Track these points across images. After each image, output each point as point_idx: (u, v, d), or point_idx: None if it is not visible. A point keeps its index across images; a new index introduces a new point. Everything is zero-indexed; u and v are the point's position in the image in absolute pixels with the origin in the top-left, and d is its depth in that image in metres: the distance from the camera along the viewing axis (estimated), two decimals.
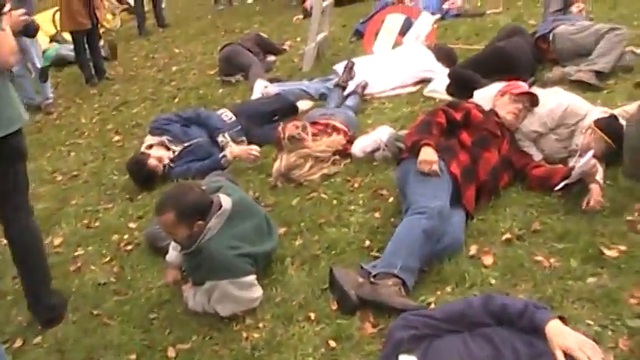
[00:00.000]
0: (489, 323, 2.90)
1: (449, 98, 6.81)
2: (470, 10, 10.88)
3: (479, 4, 11.28)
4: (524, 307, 2.86)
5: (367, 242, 4.73)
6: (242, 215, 4.36)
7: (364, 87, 7.52)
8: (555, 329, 2.76)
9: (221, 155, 6.41)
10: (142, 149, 6.81)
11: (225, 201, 4.31)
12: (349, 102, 7.33)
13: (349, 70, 7.64)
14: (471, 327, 2.92)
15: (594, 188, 4.61)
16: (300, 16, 13.21)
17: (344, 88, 7.52)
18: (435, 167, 4.55)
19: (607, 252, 4.09)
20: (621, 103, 5.75)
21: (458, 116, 5.01)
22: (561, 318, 2.83)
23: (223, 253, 4.16)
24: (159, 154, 6.63)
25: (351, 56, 8.61)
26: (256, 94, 8.06)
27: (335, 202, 5.42)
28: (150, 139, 6.86)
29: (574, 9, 8.06)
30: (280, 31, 12.48)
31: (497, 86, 5.64)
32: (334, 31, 10.19)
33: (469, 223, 4.63)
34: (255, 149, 6.36)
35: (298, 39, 11.43)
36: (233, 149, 6.42)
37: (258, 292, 4.32)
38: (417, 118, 6.40)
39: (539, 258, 4.18)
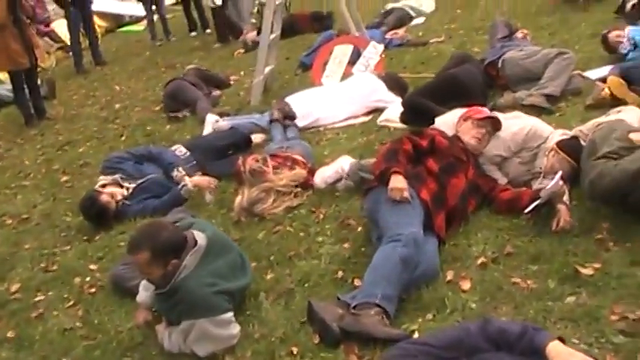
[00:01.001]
0: (488, 349, 2.89)
1: (403, 126, 6.87)
2: (412, 39, 11.01)
3: (420, 34, 11.42)
4: (522, 329, 2.86)
5: (340, 273, 4.70)
6: (217, 251, 4.30)
7: (290, 116, 7.57)
8: (557, 350, 2.76)
9: (181, 185, 6.34)
10: (95, 188, 6.69)
11: (200, 237, 4.25)
12: (290, 134, 7.35)
13: (282, 110, 7.65)
14: (470, 353, 2.89)
15: (562, 209, 4.68)
16: (242, 50, 13.20)
17: (282, 122, 7.54)
18: (406, 194, 4.56)
19: (582, 271, 4.13)
20: (575, 125, 5.85)
21: (424, 143, 5.05)
22: (560, 339, 2.84)
23: (200, 290, 4.09)
24: (112, 191, 6.52)
25: (298, 88, 8.65)
26: (208, 129, 8.02)
27: (302, 234, 5.39)
28: (103, 179, 6.76)
29: (519, 34, 8.23)
30: (222, 65, 12.44)
31: (459, 112, 5.71)
32: (278, 63, 10.20)
33: (442, 249, 4.64)
34: (213, 179, 6.32)
35: (242, 73, 11.43)
36: (193, 178, 6.37)
37: (236, 329, 4.24)
38: (373, 147, 6.53)
39: (517, 280, 4.20)
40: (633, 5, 9.09)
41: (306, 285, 4.67)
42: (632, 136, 4.74)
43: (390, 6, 13.02)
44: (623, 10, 9.43)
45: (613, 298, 3.87)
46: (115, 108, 11.38)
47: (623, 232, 4.47)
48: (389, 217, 4.50)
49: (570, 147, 5.12)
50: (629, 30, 7.70)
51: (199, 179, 6.38)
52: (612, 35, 7.82)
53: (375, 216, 4.71)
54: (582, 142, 5.15)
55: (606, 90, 6.51)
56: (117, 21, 20.17)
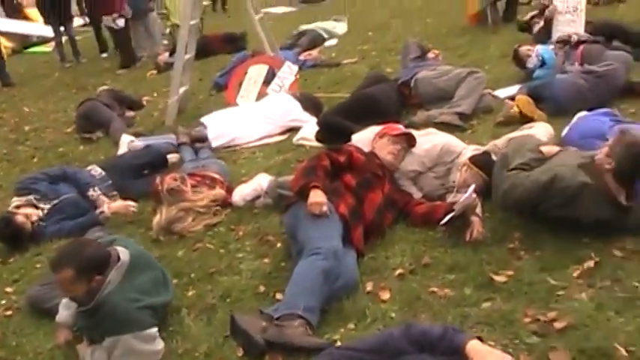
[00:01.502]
0: (411, 351, 2.99)
1: (319, 145, 6.98)
2: (326, 60, 11.18)
3: (333, 55, 11.60)
4: (443, 331, 2.98)
5: (261, 288, 4.75)
6: (140, 267, 4.29)
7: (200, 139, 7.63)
8: (475, 349, 2.89)
9: (99, 211, 6.27)
10: (9, 210, 6.58)
11: (123, 253, 4.24)
12: (203, 155, 7.39)
13: (189, 134, 7.69)
14: (394, 356, 2.99)
15: (476, 221, 4.86)
16: (154, 71, 13.18)
17: (192, 144, 7.58)
18: (325, 209, 4.66)
19: (496, 278, 4.30)
20: (486, 142, 6.06)
21: (341, 159, 5.17)
22: (479, 338, 2.96)
23: (125, 306, 4.07)
24: (27, 212, 6.42)
25: (213, 108, 8.69)
26: (123, 149, 7.98)
27: (222, 251, 5.42)
28: (17, 200, 6.61)
29: (431, 55, 8.46)
30: (135, 86, 12.39)
31: (375, 129, 5.85)
32: (192, 84, 10.21)
33: (361, 262, 4.74)
34: (132, 204, 6.28)
35: (155, 94, 11.40)
36: (111, 205, 6.30)
37: (160, 344, 4.21)
38: (290, 166, 6.62)
39: (434, 289, 4.32)
40: (540, 28, 9.46)
41: (228, 300, 4.69)
42: (544, 149, 4.98)
43: (302, 28, 13.20)
44: (531, 31, 9.80)
45: (525, 303, 4.03)
46: (25, 130, 11.16)
47: (533, 241, 4.68)
48: (309, 232, 4.58)
49: (482, 162, 5.32)
50: (539, 47, 8.03)
51: (117, 206, 6.30)
52: (523, 49, 8.16)
53: (294, 231, 4.78)
54: (494, 157, 5.35)
55: (515, 108, 6.79)
56: (23, 42, 19.83)
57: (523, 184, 4.59)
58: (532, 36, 9.72)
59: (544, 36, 9.30)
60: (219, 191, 6.14)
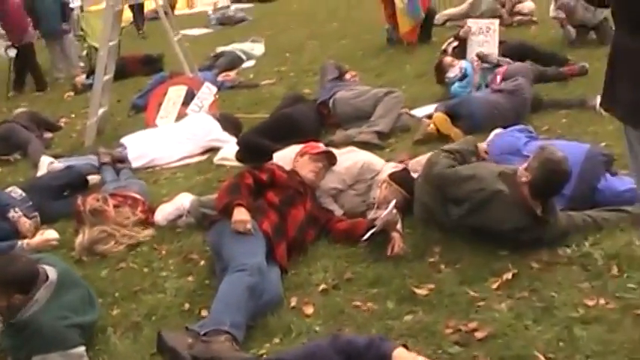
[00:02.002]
0: None
1: (239, 165, 7.02)
2: (244, 82, 11.24)
3: (251, 76, 11.67)
4: (369, 340, 3.07)
5: (186, 305, 4.76)
6: (67, 285, 4.27)
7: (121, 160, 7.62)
8: (402, 356, 2.98)
9: (18, 245, 6.15)
10: None
11: (51, 271, 4.21)
12: (123, 176, 7.36)
13: (110, 153, 7.66)
14: None
15: (396, 236, 4.99)
16: (72, 93, 13.03)
17: (113, 165, 7.54)
18: (249, 226, 4.71)
19: (418, 291, 4.42)
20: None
21: (264, 177, 5.23)
22: (404, 346, 3.05)
23: (53, 324, 4.05)
24: None
25: (133, 130, 8.66)
26: (42, 171, 7.87)
27: (146, 270, 5.40)
28: None
29: (348, 76, 8.59)
30: (52, 108, 12.20)
31: (295, 148, 5.93)
32: (110, 105, 10.12)
33: (285, 278, 4.80)
34: (52, 238, 6.17)
35: (73, 115, 11.28)
36: (30, 242, 6.16)
37: None
38: (211, 186, 6.65)
39: (358, 303, 4.41)
40: (454, 48, 9.71)
41: (153, 318, 4.69)
42: (480, 145, 5.26)
43: (220, 49, 13.23)
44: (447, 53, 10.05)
45: (446, 314, 4.16)
46: None
47: (453, 255, 4.82)
48: (233, 249, 4.63)
49: (402, 178, 5.47)
50: (464, 61, 8.26)
51: (37, 242, 6.13)
52: (447, 59, 8.39)
53: (219, 248, 4.82)
54: (413, 174, 5.51)
55: (432, 126, 6.96)
56: None
57: (442, 166, 4.94)
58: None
59: (458, 56, 9.54)
60: (140, 214, 6.12)
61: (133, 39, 18.30)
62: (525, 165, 4.74)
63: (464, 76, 8.21)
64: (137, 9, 18.73)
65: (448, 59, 8.53)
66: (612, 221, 4.88)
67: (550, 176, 4.61)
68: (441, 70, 8.54)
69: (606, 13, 9.12)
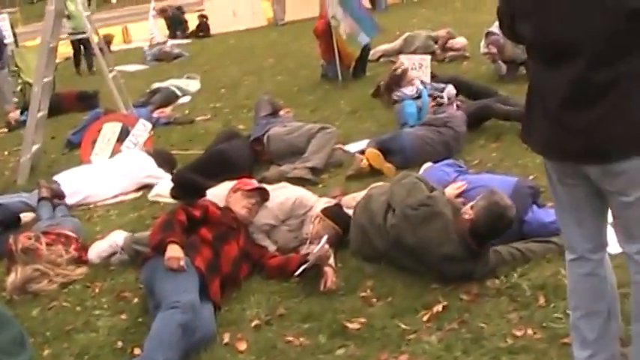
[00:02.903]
0: None
1: (174, 201, 7.02)
2: (179, 118, 11.24)
3: (187, 112, 11.68)
4: None
5: (119, 343, 4.73)
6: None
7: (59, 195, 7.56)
8: None
9: None
10: None
11: None
12: (59, 213, 7.29)
13: (50, 188, 7.59)
14: None
15: (329, 271, 5.04)
16: (5, 129, 12.88)
17: (51, 201, 7.47)
18: (182, 263, 4.73)
19: (350, 325, 4.48)
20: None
21: (197, 213, 5.26)
22: None
23: None
24: None
25: (67, 166, 8.60)
26: None
27: (79, 308, 5.36)
28: None
29: (282, 112, 8.66)
30: None
31: (229, 184, 5.96)
32: (44, 142, 10.04)
33: (218, 314, 4.81)
34: None
35: (6, 152, 11.15)
36: None
37: None
38: (145, 222, 6.63)
39: (290, 338, 4.45)
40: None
41: (85, 357, 4.65)
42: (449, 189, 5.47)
43: (155, 85, 13.22)
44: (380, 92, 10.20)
45: (378, 347, 4.23)
46: None
47: (385, 288, 4.90)
48: (166, 286, 4.63)
49: (334, 214, 5.56)
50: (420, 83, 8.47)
51: None
52: (409, 74, 8.48)
53: (152, 285, 4.81)
54: (347, 210, 5.59)
55: (365, 161, 7.05)
56: None
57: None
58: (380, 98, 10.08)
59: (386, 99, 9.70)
60: (74, 253, 6.07)
61: (71, 75, 18.15)
62: (472, 203, 4.87)
63: (417, 97, 8.32)
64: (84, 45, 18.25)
65: (411, 73, 8.63)
66: (539, 252, 5.02)
67: (493, 220, 4.73)
68: (396, 82, 8.62)
69: None
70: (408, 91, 8.44)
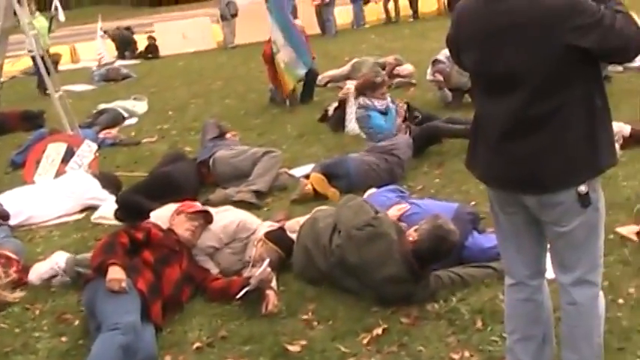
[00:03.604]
0: None
1: (117, 223, 6.99)
2: (125, 139, 11.19)
3: (133, 134, 11.64)
4: None
5: None
6: None
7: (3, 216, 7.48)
8: None
9: None
10: None
11: None
12: (1, 234, 7.21)
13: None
14: None
15: (271, 294, 5.08)
16: None
17: None
18: (124, 285, 4.72)
19: (290, 348, 4.53)
20: None
21: (139, 236, 5.25)
22: None
23: None
24: None
25: (10, 187, 8.50)
26: None
27: (18, 330, 5.29)
28: None
29: (229, 135, 8.71)
30: None
31: (173, 207, 5.96)
32: None
33: (160, 336, 4.81)
34: None
35: None
36: None
37: None
38: (88, 244, 6.60)
39: None
40: (335, 108, 9.97)
41: None
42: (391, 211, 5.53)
43: (102, 106, 13.14)
44: (326, 118, 10.30)
45: None
46: None
47: (326, 311, 4.96)
48: (107, 307, 4.63)
49: (277, 237, 5.63)
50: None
51: None
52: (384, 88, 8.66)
53: (93, 307, 4.79)
54: (290, 234, 5.65)
55: (309, 186, 7.11)
56: None
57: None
58: (327, 122, 10.19)
59: (338, 118, 9.80)
60: (13, 275, 6.01)
61: (17, 93, 17.93)
62: (416, 227, 4.96)
63: (385, 112, 8.42)
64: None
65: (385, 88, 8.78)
66: (478, 277, 5.13)
67: (436, 243, 4.84)
68: (370, 88, 8.61)
69: None
70: (378, 103, 8.51)
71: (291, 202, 7.17)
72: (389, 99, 8.76)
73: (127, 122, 12.77)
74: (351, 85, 9.88)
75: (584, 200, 3.21)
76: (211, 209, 5.96)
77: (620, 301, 4.63)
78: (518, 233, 3.56)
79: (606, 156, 3.24)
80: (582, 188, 3.19)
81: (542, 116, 3.16)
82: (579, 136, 3.16)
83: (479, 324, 4.60)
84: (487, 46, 3.26)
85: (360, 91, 8.71)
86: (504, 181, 3.39)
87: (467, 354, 4.28)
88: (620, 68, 10.48)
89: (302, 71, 11.88)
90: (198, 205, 5.97)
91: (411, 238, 4.91)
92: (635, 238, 5.42)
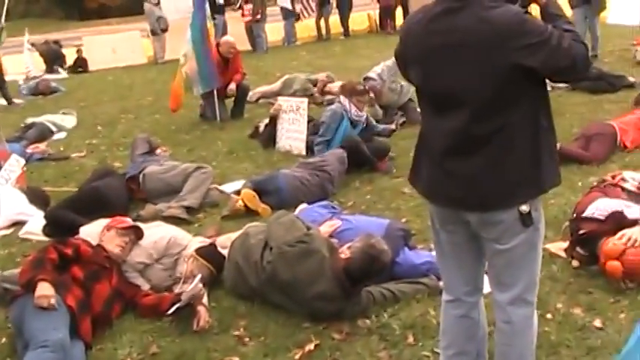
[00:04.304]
0: None
1: (45, 239, 6.89)
2: (54, 154, 11.02)
3: (62, 149, 11.47)
4: None
5: None
6: None
7: None
8: None
9: None
10: None
11: None
12: None
13: None
14: None
15: (202, 310, 5.07)
16: None
17: None
18: (53, 301, 4.66)
19: None
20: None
21: (68, 251, 5.18)
22: None
23: None
24: None
25: None
26: None
27: None
28: None
29: (159, 151, 8.66)
30: None
31: (103, 222, 5.90)
32: None
33: (89, 354, 4.77)
34: None
35: None
36: None
37: None
38: (15, 260, 6.49)
39: None
40: (266, 125, 9.99)
41: None
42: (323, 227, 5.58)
43: (30, 120, 12.91)
44: (257, 133, 10.32)
45: None
46: None
47: (258, 328, 4.98)
48: (35, 324, 4.56)
49: (208, 253, 5.63)
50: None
51: None
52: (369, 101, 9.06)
53: (21, 324, 4.71)
54: (221, 250, 5.65)
55: (240, 202, 7.12)
56: None
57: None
58: (258, 139, 10.21)
59: (269, 134, 9.83)
60: None
61: None
62: (349, 244, 5.00)
63: (354, 125, 8.64)
64: None
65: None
66: (409, 293, 5.20)
67: (368, 262, 4.89)
68: (355, 93, 8.91)
69: (411, 94, 9.71)
70: (355, 113, 8.74)
71: (222, 218, 7.16)
72: (365, 115, 8.93)
73: (56, 137, 12.57)
74: (282, 102, 9.92)
75: (526, 220, 3.26)
76: (142, 225, 5.92)
77: (549, 316, 4.75)
78: (459, 250, 3.61)
79: (550, 176, 3.29)
80: (524, 208, 3.24)
81: (485, 136, 3.19)
82: (523, 156, 3.20)
83: (410, 339, 4.66)
84: (429, 63, 3.31)
85: (349, 92, 8.93)
86: (447, 198, 3.43)
87: None
88: (548, 88, 10.69)
89: (198, 89, 11.81)
90: (128, 221, 5.92)
91: (343, 256, 4.96)
92: (563, 254, 5.55)
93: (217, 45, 12.03)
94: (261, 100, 13.43)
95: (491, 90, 3.13)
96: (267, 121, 10.16)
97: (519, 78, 3.10)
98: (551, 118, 3.32)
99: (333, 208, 6.30)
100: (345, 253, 4.96)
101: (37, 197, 8.08)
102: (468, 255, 3.60)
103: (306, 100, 10.10)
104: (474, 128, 3.19)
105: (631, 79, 11.68)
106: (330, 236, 5.48)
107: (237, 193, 7.46)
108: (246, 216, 6.97)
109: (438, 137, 3.35)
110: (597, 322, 4.69)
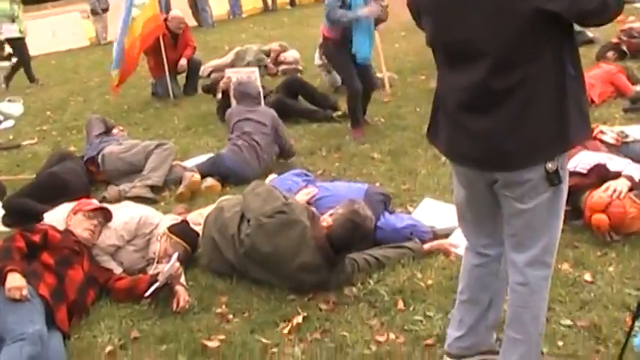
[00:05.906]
0: None
1: (7, 230, 6.62)
2: (4, 143, 10.68)
3: (11, 137, 11.11)
4: None
5: None
6: None
7: None
8: None
9: None
10: None
11: None
12: None
13: None
14: None
15: (180, 290, 4.90)
16: None
17: None
18: (25, 292, 4.43)
19: (209, 344, 4.36)
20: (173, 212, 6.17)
21: (36, 238, 4.95)
22: None
23: None
24: None
25: None
26: None
27: None
28: None
29: (115, 131, 8.37)
30: None
31: (68, 206, 5.66)
32: None
33: (68, 344, 4.56)
34: None
35: None
36: None
37: None
38: None
39: None
40: (219, 100, 9.76)
41: None
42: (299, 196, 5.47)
43: None
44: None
45: None
46: None
47: (240, 304, 4.82)
48: (10, 318, 4.32)
49: (182, 230, 5.42)
50: None
51: None
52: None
53: None
54: (194, 226, 5.45)
55: (196, 175, 6.92)
56: None
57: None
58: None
59: (224, 107, 9.59)
60: None
61: None
62: (331, 212, 4.83)
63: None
64: None
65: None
66: (394, 258, 5.09)
67: (352, 229, 4.72)
68: None
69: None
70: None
71: (177, 197, 6.97)
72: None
73: (4, 125, 12.19)
74: (231, 74, 9.61)
75: (553, 178, 3.07)
76: (109, 206, 5.70)
77: None
78: (478, 205, 3.47)
79: (578, 129, 3.05)
80: (550, 165, 3.04)
81: (506, 89, 2.96)
82: (547, 109, 2.97)
83: (400, 304, 4.56)
84: (443, 13, 3.09)
85: None
86: (468, 159, 3.25)
87: (392, 336, 4.24)
88: None
89: (113, 73, 11.52)
90: (95, 203, 5.69)
91: (325, 224, 4.79)
92: None
93: (165, 20, 11.77)
94: (213, 74, 13.12)
95: (512, 39, 2.88)
96: (219, 95, 9.91)
97: (542, 25, 2.83)
98: (579, 65, 3.05)
99: (307, 175, 6.14)
100: (326, 221, 4.80)
101: None
102: (488, 210, 3.44)
103: (256, 69, 9.92)
104: (493, 82, 2.96)
105: (590, 34, 11.65)
106: (308, 204, 5.31)
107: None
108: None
109: (454, 93, 3.15)
110: (587, 276, 4.66)
